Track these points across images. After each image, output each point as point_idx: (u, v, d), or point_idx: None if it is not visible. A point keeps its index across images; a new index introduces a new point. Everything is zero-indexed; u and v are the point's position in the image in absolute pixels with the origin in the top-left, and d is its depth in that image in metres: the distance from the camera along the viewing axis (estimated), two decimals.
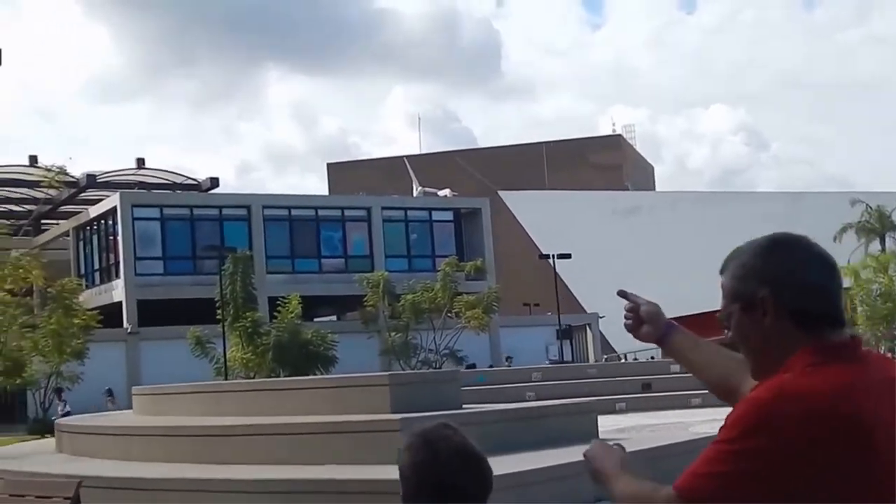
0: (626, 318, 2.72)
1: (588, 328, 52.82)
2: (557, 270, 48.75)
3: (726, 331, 2.27)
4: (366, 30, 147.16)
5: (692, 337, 2.67)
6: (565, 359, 47.37)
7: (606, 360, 48.12)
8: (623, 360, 46.69)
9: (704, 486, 2.02)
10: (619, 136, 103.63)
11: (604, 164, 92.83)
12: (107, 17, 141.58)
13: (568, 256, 47.78)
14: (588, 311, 56.62)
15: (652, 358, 37.03)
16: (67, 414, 27.87)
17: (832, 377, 2.04)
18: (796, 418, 1.97)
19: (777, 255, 2.21)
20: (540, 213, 72.14)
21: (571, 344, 50.98)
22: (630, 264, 62.94)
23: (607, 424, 15.71)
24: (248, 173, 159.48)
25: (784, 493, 1.98)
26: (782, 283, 2.16)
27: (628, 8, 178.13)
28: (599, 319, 52.06)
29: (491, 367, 40.07)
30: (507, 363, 41.84)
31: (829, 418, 1.98)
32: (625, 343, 53.48)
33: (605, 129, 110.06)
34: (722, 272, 2.30)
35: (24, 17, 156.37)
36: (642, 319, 2.70)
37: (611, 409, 21.38)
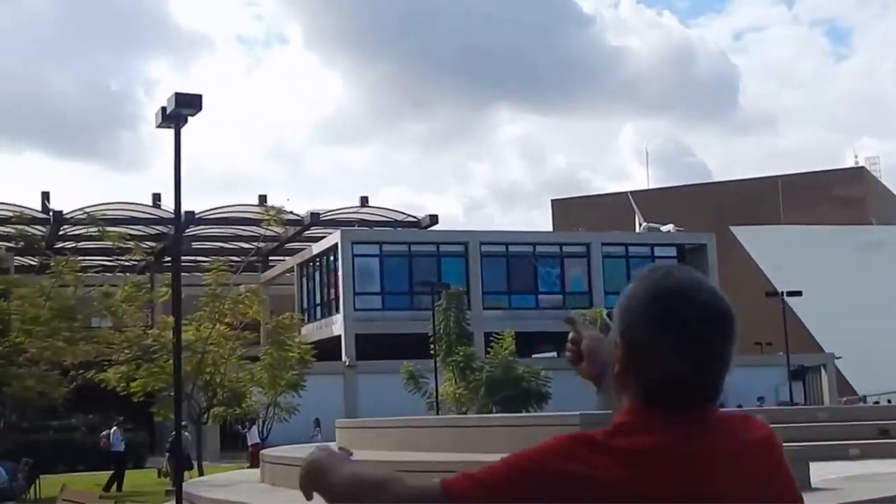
0: (567, 349, 2.35)
1: (823, 369, 49.83)
2: (793, 308, 46.14)
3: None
4: (598, 67, 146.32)
5: None
6: (795, 401, 44.79)
7: (845, 402, 45.24)
8: (863, 403, 43.88)
9: (471, 491, 1.75)
10: (862, 168, 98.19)
11: (844, 197, 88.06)
12: (341, 65, 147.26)
13: (798, 294, 45.04)
14: (826, 351, 53.36)
15: (889, 401, 34.16)
16: (255, 444, 28.27)
17: (640, 443, 1.75)
18: (581, 472, 1.73)
19: (640, 304, 1.85)
20: (775, 249, 68.90)
21: (804, 385, 48.26)
22: (871, 303, 58.89)
23: (835, 471, 14.31)
24: (476, 211, 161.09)
25: None
26: (632, 339, 1.86)
27: (877, 37, 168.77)
28: (836, 360, 49.00)
29: (739, 406, 38.48)
30: (758, 403, 40.27)
31: (616, 486, 1.71)
32: (867, 384, 49.98)
33: (849, 162, 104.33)
34: None
35: (264, 66, 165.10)
36: (582, 354, 2.31)
37: (843, 456, 19.53)
